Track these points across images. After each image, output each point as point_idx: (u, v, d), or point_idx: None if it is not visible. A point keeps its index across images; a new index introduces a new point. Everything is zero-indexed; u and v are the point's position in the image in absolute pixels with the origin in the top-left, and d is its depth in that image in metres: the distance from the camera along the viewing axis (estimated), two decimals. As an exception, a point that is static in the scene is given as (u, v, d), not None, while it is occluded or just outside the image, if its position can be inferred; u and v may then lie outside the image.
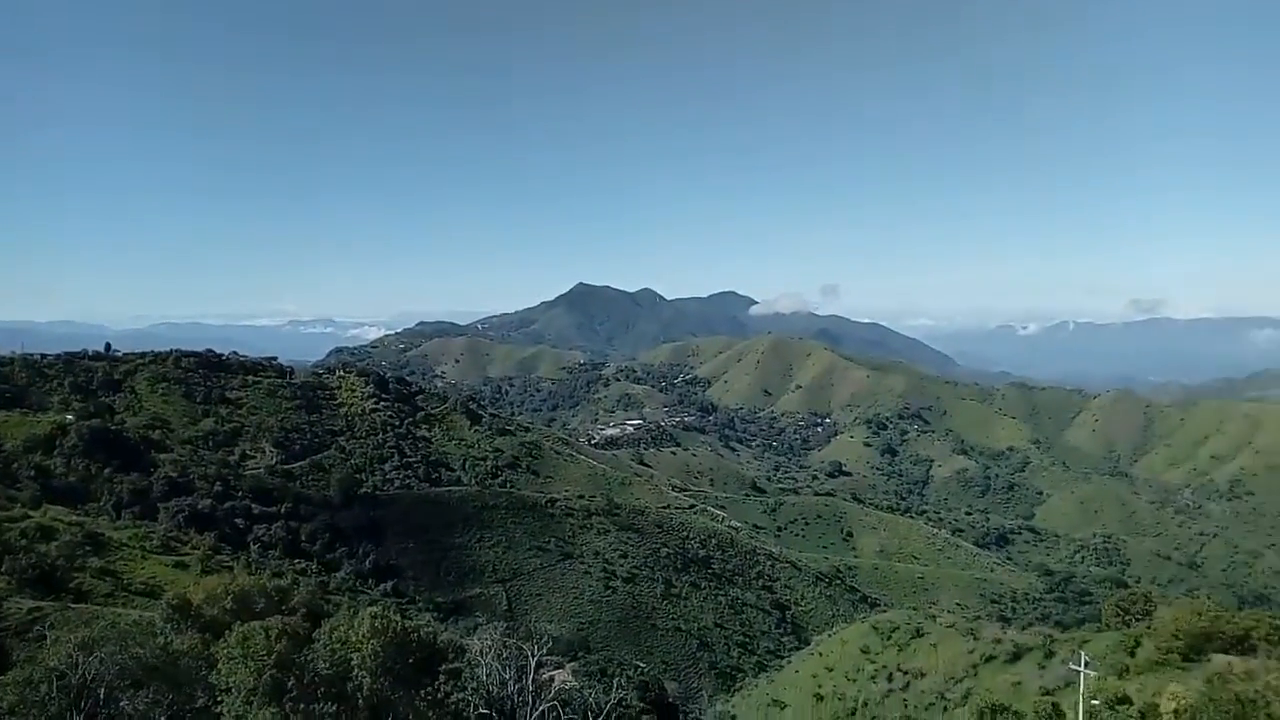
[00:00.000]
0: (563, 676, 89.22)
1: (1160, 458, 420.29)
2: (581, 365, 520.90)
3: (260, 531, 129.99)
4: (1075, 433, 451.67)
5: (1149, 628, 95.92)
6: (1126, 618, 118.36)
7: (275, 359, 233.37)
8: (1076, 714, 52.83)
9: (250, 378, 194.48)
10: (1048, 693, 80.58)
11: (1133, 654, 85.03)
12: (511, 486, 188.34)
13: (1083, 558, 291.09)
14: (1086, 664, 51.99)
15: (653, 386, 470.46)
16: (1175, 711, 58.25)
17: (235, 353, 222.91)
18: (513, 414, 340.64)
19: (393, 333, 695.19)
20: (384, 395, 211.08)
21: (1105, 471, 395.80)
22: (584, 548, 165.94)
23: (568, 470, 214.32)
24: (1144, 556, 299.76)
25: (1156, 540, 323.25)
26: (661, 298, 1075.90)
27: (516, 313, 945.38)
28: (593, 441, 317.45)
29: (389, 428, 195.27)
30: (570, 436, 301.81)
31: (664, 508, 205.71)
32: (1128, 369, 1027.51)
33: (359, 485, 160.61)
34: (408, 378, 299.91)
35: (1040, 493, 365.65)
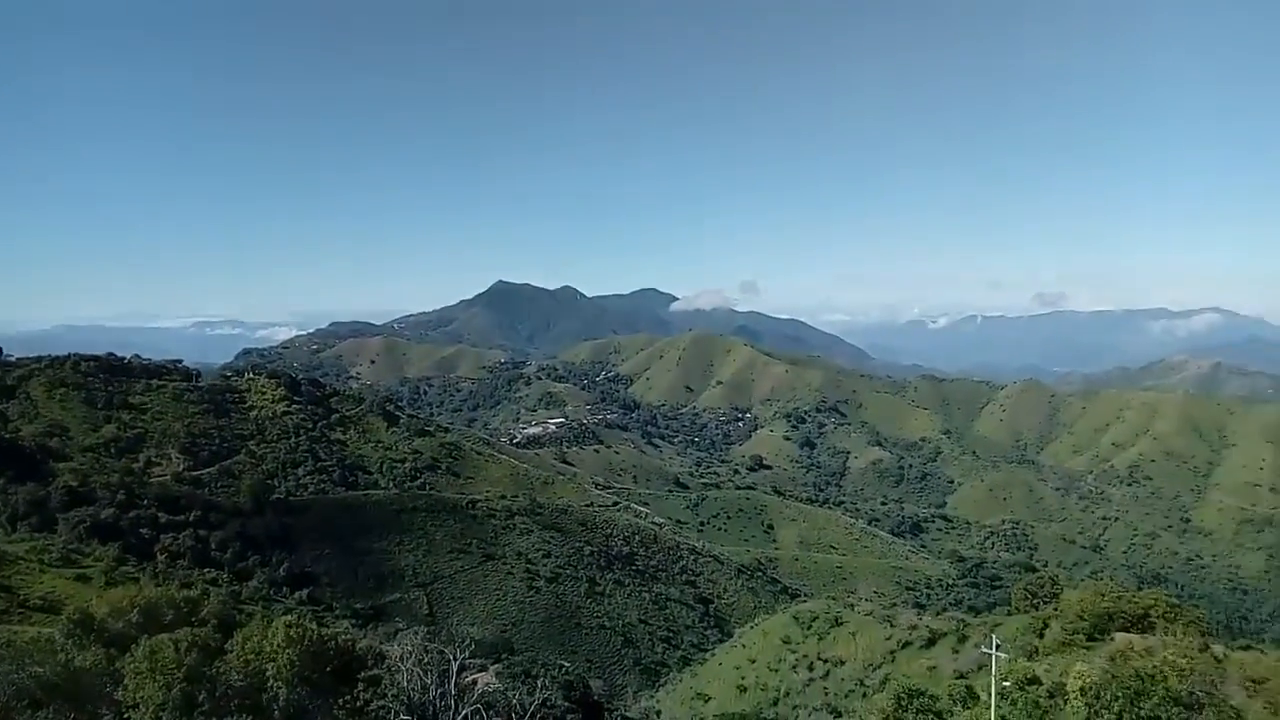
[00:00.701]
0: (486, 679, 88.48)
1: (1064, 445, 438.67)
2: (502, 364, 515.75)
3: (167, 541, 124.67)
4: (984, 423, 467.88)
5: (1056, 610, 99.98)
6: (1035, 601, 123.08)
7: (180, 362, 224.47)
8: (989, 696, 54.45)
9: (154, 381, 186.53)
10: (962, 676, 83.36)
11: (1041, 635, 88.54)
12: (431, 489, 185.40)
13: (993, 544, 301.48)
14: (998, 647, 53.59)
15: (575, 385, 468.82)
16: (1081, 689, 60.68)
17: (138, 356, 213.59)
18: (432, 415, 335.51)
19: (304, 333, 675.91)
20: (296, 398, 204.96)
21: (1013, 460, 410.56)
22: (507, 549, 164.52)
23: (489, 470, 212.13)
24: (1050, 541, 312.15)
25: (1062, 525, 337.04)
26: (582, 295, 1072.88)
27: (434, 312, 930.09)
28: (514, 441, 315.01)
29: (302, 431, 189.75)
30: (491, 436, 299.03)
31: (587, 506, 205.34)
32: (1033, 360, 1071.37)
33: (271, 491, 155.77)
34: (321, 379, 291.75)
35: (952, 481, 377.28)
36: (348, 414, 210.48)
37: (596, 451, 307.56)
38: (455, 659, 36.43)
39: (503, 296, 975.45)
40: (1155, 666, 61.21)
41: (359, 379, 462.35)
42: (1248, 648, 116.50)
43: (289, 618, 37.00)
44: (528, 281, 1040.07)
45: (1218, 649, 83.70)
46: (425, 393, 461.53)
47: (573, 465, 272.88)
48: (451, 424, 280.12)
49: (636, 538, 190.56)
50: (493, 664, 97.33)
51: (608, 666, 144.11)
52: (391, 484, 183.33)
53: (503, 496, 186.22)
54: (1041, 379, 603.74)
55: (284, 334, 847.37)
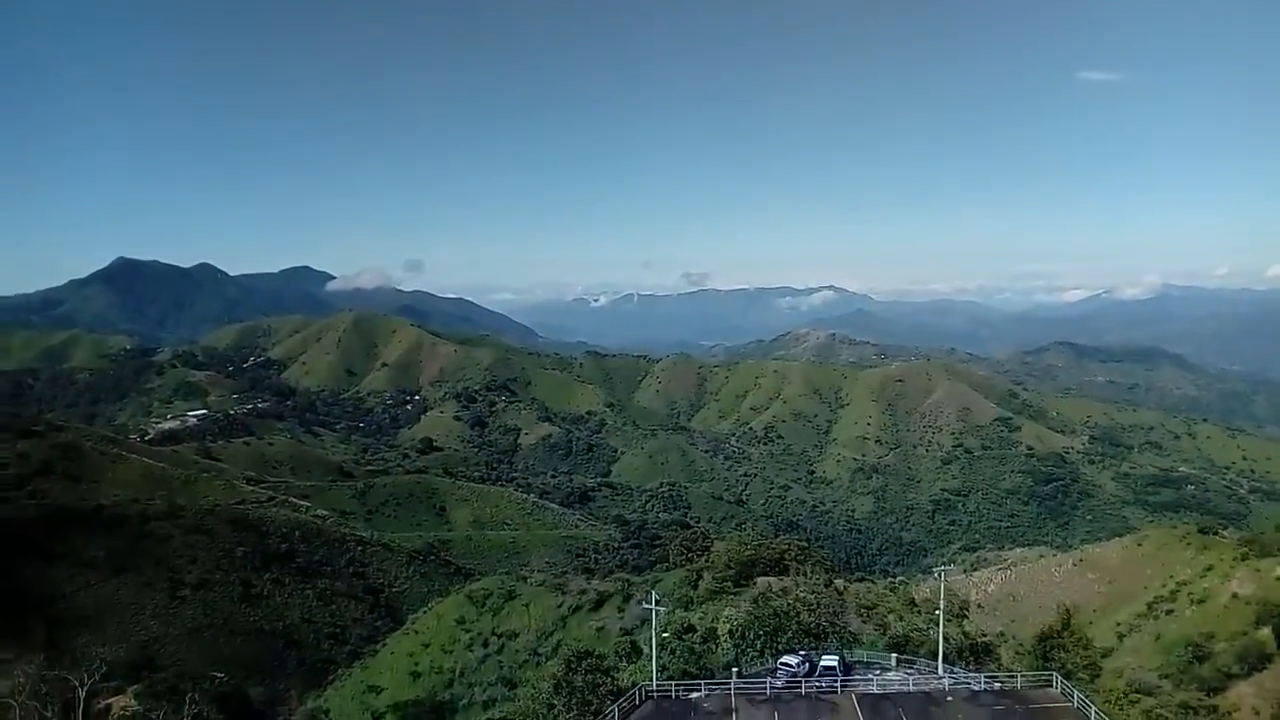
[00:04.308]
0: (124, 702, 78.44)
1: (712, 412, 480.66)
2: (128, 351, 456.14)
3: None
4: (643, 394, 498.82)
5: (708, 562, 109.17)
6: (690, 555, 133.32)
7: None
8: (650, 648, 57.52)
9: None
10: (627, 633, 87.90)
11: (695, 587, 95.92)
12: (43, 497, 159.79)
13: (653, 506, 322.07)
14: (657, 602, 56.70)
15: (218, 372, 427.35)
16: (730, 632, 66.51)
17: None
18: (40, 412, 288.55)
19: None
20: None
21: (669, 427, 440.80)
22: (143, 558, 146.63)
23: (117, 472, 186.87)
24: (702, 499, 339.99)
25: (711, 484, 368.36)
26: (224, 274, 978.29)
27: (38, 293, 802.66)
28: (147, 438, 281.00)
29: None
30: (118, 433, 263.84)
31: (238, 504, 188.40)
32: (683, 335, 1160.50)
33: None
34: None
35: (616, 451, 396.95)
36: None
37: (247, 444, 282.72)
38: (83, 685, 31.75)
39: (126, 275, 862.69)
40: (789, 604, 68.73)
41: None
42: (862, 579, 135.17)
43: None
44: (156, 258, 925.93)
45: (839, 583, 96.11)
46: (31, 386, 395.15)
47: (219, 461, 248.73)
48: (66, 421, 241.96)
49: (296, 533, 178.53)
50: (131, 685, 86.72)
51: (268, 672, 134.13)
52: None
53: (135, 500, 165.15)
54: (691, 352, 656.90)
55: None
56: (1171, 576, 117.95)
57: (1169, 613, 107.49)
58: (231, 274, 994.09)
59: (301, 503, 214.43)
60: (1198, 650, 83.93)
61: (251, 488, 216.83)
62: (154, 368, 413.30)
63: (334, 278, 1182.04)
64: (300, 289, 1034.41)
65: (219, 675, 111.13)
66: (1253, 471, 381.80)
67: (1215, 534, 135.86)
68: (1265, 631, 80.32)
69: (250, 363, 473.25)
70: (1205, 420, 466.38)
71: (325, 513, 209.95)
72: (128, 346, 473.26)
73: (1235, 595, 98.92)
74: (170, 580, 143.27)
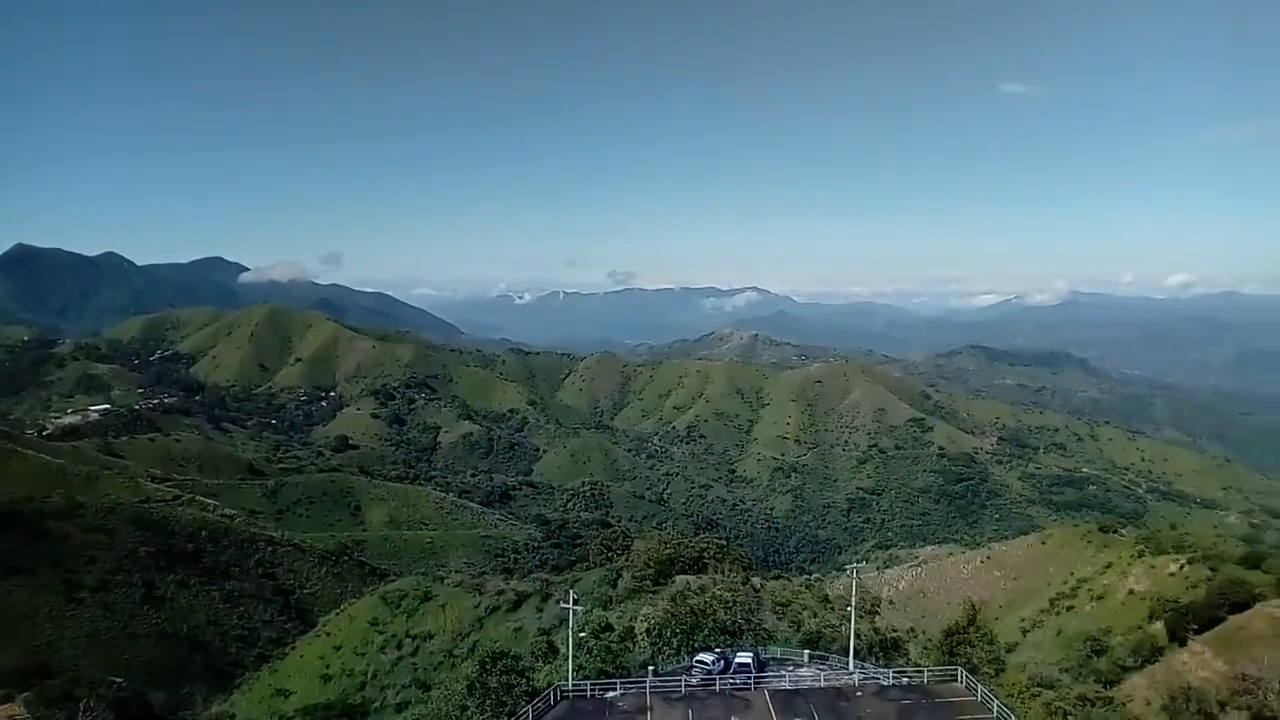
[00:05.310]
0: (12, 711, 74.60)
1: (635, 410, 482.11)
2: (27, 343, 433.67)
3: None
4: (566, 392, 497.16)
5: (628, 561, 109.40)
6: (610, 554, 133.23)
7: None
8: (568, 648, 57.25)
9: None
10: (545, 633, 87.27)
11: (615, 585, 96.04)
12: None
13: (574, 505, 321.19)
14: (576, 601, 56.46)
15: (123, 365, 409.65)
16: (647, 630, 66.61)
17: None
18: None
19: None
20: None
21: (592, 426, 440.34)
22: (38, 558, 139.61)
23: (12, 468, 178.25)
24: (624, 498, 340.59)
25: (633, 483, 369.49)
26: (131, 263, 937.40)
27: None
28: (46, 433, 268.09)
29: None
30: (14, 428, 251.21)
31: (141, 503, 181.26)
32: (608, 333, 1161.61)
33: None
34: None
35: (538, 449, 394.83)
36: None
37: (152, 440, 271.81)
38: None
39: (24, 263, 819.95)
40: (707, 602, 69.22)
41: None
42: (778, 577, 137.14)
43: None
44: (59, 246, 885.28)
45: (756, 581, 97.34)
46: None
47: (123, 458, 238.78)
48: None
49: (203, 533, 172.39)
50: (21, 693, 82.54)
51: (172, 676, 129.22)
52: None
53: (30, 499, 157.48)
54: (615, 351, 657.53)
55: None
56: (1073, 574, 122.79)
57: (1070, 609, 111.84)
58: (139, 264, 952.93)
59: (209, 501, 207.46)
60: (1096, 644, 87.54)
61: (156, 486, 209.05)
62: (54, 360, 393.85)
63: (247, 269, 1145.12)
64: (212, 280, 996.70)
65: (117, 680, 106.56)
66: (1150, 472, 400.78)
67: (1115, 532, 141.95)
68: (1158, 625, 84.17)
69: (157, 356, 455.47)
70: (1107, 423, 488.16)
71: (234, 512, 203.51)
72: (26, 338, 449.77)
73: (1132, 591, 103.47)
74: (67, 582, 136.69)
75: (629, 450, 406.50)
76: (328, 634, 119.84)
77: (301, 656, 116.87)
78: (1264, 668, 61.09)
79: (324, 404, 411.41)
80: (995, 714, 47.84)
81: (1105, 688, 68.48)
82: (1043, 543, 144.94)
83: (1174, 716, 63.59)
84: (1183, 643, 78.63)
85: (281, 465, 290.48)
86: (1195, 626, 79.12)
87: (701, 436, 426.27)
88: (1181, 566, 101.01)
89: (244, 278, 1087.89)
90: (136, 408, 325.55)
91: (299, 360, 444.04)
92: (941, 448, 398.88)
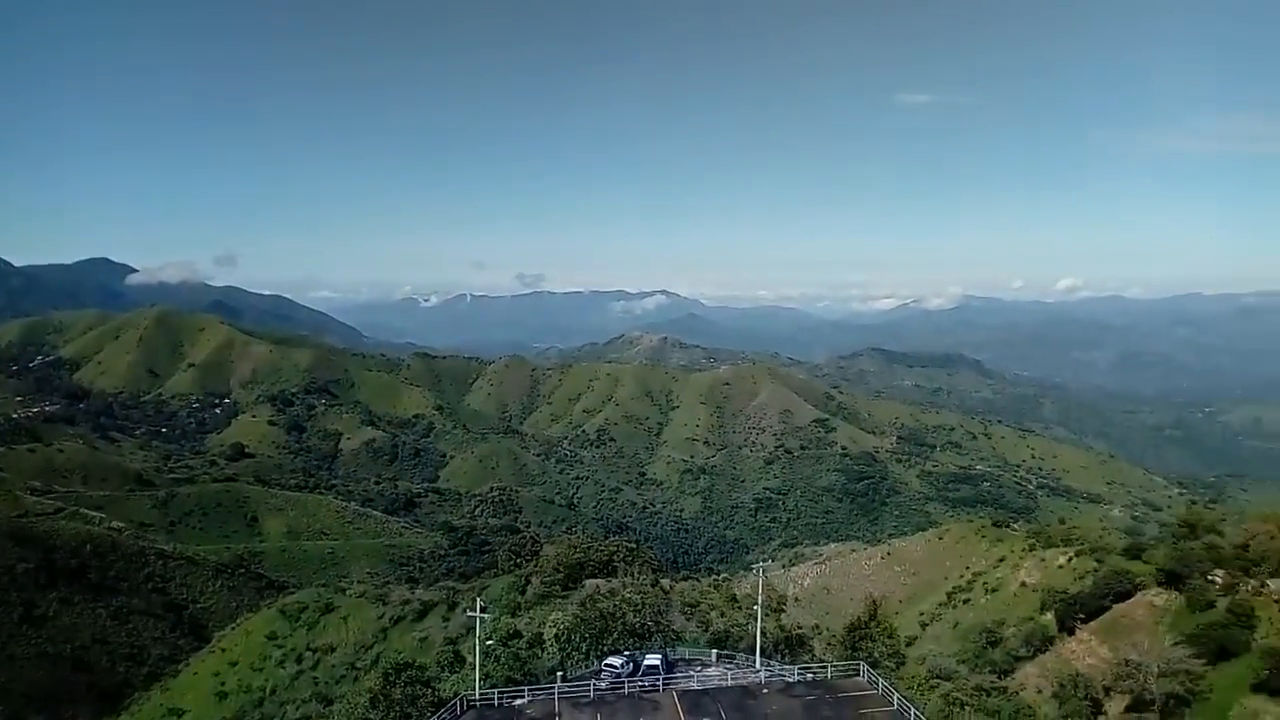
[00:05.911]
0: None
1: (544, 414, 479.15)
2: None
3: None
4: (474, 397, 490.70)
5: (537, 566, 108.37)
6: (519, 560, 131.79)
7: None
8: (474, 657, 56.28)
9: None
10: (451, 642, 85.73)
11: (524, 592, 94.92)
12: None
13: (482, 511, 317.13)
14: (483, 609, 55.58)
15: (0, 372, 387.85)
16: (556, 636, 65.99)
17: None
18: None
19: None
20: None
21: (500, 431, 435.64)
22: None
23: None
24: (533, 503, 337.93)
25: (543, 488, 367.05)
26: (8, 264, 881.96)
27: None
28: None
29: None
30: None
31: (19, 517, 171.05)
32: (517, 337, 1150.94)
33: None
34: None
35: (445, 455, 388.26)
36: None
37: (32, 451, 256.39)
38: None
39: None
40: (616, 605, 69.06)
41: None
42: (687, 578, 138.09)
43: None
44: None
45: (665, 583, 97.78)
46: None
47: (0, 470, 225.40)
48: None
49: (88, 547, 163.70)
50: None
51: (54, 699, 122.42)
52: None
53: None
54: (524, 354, 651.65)
55: None
56: (968, 568, 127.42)
57: (966, 601, 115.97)
58: (17, 264, 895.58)
59: (94, 514, 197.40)
60: (990, 636, 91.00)
61: (37, 498, 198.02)
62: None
63: (136, 271, 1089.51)
64: (97, 282, 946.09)
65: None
66: (1040, 469, 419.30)
67: (1007, 527, 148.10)
68: (1048, 616, 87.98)
69: (37, 362, 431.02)
70: (1000, 422, 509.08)
71: (121, 525, 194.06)
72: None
73: (1024, 584, 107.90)
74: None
75: (538, 455, 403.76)
76: (223, 650, 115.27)
77: (195, 674, 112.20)
78: (1144, 653, 64.34)
79: (218, 411, 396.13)
80: (896, 706, 48.99)
81: (1000, 677, 71.19)
82: (940, 538, 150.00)
83: (1063, 703, 66.53)
84: (1071, 632, 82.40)
85: (173, 475, 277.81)
86: (1083, 616, 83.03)
87: (611, 440, 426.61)
88: (1070, 559, 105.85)
89: (132, 279, 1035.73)
90: (14, 416, 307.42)
91: (191, 365, 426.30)
92: (844, 447, 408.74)
